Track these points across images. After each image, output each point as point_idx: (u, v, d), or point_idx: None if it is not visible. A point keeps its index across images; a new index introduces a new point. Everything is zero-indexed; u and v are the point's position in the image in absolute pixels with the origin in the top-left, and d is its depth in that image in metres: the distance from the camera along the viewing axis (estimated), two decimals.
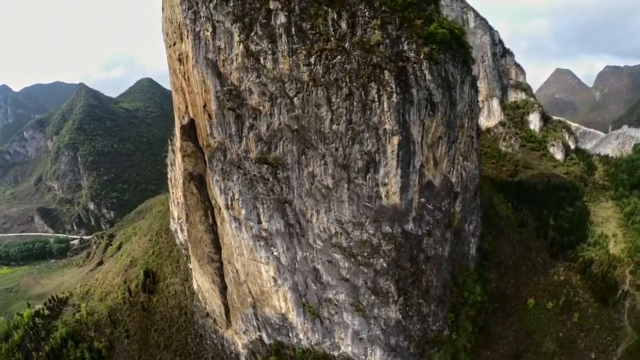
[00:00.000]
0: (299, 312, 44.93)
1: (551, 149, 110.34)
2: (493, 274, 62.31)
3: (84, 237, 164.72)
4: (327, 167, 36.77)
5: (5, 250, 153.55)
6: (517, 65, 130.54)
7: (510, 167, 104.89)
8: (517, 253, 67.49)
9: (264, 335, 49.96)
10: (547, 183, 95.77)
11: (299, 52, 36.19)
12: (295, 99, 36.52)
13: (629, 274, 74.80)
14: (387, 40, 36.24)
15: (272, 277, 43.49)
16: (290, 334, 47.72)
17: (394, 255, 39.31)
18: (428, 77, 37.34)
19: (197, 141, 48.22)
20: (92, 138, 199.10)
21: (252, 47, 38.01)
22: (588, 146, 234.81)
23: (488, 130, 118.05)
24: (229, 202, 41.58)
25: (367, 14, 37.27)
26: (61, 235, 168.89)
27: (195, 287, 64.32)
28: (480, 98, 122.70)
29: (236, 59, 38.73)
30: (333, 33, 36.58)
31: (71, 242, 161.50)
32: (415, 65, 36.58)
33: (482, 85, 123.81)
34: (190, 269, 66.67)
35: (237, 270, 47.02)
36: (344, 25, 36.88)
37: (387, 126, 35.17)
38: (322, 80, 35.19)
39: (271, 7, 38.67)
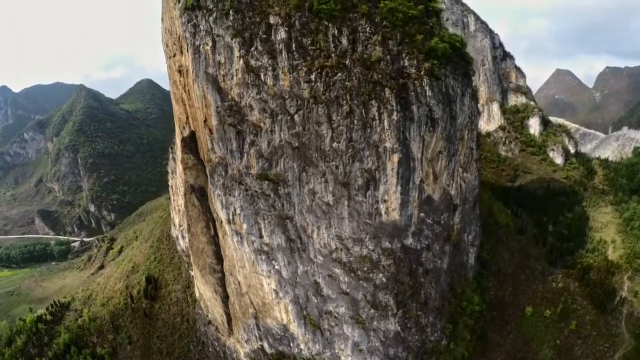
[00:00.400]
0: (300, 324, 45.46)
1: (551, 154, 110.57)
2: (491, 282, 62.81)
3: (85, 239, 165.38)
4: (328, 184, 37.08)
5: (6, 253, 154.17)
6: (517, 69, 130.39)
7: (510, 172, 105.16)
8: (516, 261, 67.97)
9: (266, 345, 50.55)
10: (547, 188, 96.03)
11: (300, 69, 36.30)
12: (296, 116, 36.71)
13: (627, 280, 75.33)
14: (388, 57, 36.36)
15: (274, 289, 43.96)
16: (292, 344, 48.30)
17: (393, 270, 39.75)
18: (429, 93, 37.51)
19: (198, 154, 48.43)
20: (92, 140, 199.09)
21: (252, 62, 38.11)
22: (588, 147, 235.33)
23: (488, 134, 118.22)
24: (231, 217, 41.94)
25: (368, 30, 37.36)
26: (62, 238, 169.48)
27: (197, 294, 64.84)
28: (480, 102, 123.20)
29: (236, 74, 38.85)
30: (334, 49, 36.68)
31: (72, 245, 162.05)
32: (415, 81, 36.74)
33: (482, 88, 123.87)
34: (192, 276, 67.16)
35: (239, 282, 47.49)
36: (344, 41, 36.98)
37: (388, 144, 35.41)
38: (323, 97, 35.35)
39: (271, 22, 38.72)
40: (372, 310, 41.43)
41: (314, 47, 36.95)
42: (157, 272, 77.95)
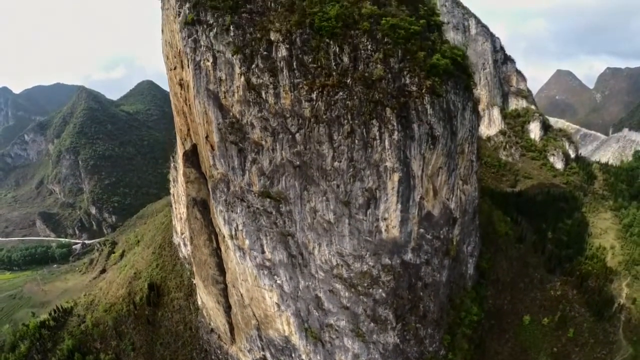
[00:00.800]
0: (301, 336, 46.06)
1: (551, 159, 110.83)
2: (490, 291, 63.31)
3: (86, 242, 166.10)
4: (329, 203, 37.45)
5: (7, 255, 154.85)
6: (518, 72, 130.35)
7: (511, 177, 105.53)
8: (515, 269, 68.47)
9: (268, 355, 51.21)
10: (547, 194, 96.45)
11: (301, 87, 36.48)
12: (297, 135, 36.97)
13: (625, 287, 75.91)
14: (389, 75, 36.52)
15: (276, 303, 44.52)
16: (293, 355, 48.95)
17: (393, 285, 40.26)
18: (430, 111, 37.73)
19: (200, 167, 48.75)
20: (93, 142, 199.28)
21: (254, 79, 38.26)
22: (589, 148, 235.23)
23: (488, 138, 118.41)
24: (233, 232, 42.36)
25: (369, 47, 37.48)
26: (63, 240, 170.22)
27: (199, 303, 65.49)
28: (481, 106, 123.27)
29: (237, 91, 39.02)
30: (335, 67, 36.82)
31: (73, 247, 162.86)
32: (417, 100, 36.92)
33: (482, 93, 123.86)
34: (194, 284, 67.77)
35: (241, 294, 48.04)
36: (345, 59, 37.10)
37: (388, 164, 35.71)
38: (324, 117, 35.59)
39: (272, 39, 38.82)
40: (372, 324, 42.01)
41: (315, 65, 37.10)
42: (159, 279, 78.56)
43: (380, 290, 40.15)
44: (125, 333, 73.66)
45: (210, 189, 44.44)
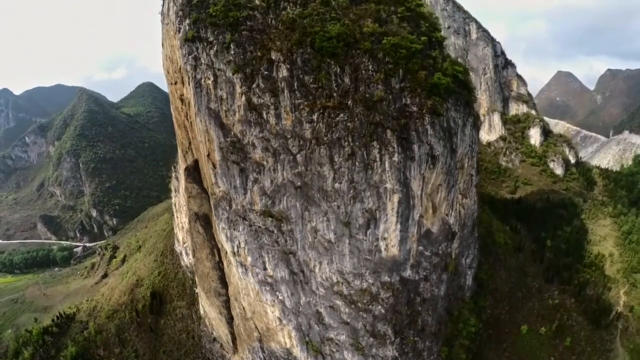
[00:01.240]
0: (302, 349, 46.71)
1: (551, 164, 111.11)
2: (488, 301, 63.88)
3: (87, 245, 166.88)
4: (330, 223, 37.87)
5: (9, 259, 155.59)
6: (519, 77, 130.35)
7: (510, 184, 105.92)
8: (513, 279, 68.98)
9: None
10: (546, 201, 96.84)
11: (302, 108, 36.75)
12: (298, 156, 37.28)
13: (623, 295, 76.52)
14: (390, 96, 36.76)
15: (278, 317, 45.09)
16: None
17: (392, 302, 40.82)
18: (430, 131, 37.99)
19: (201, 183, 49.10)
20: (93, 144, 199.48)
21: (255, 99, 38.47)
22: (589, 150, 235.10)
23: (489, 144, 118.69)
24: (236, 249, 42.85)
25: (370, 68, 37.66)
26: (64, 243, 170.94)
27: (202, 312, 66.12)
28: (481, 111, 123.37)
29: (238, 111, 39.23)
30: (336, 88, 37.02)
31: (74, 250, 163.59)
32: (417, 120, 37.17)
33: (483, 98, 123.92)
34: (197, 293, 68.37)
35: (243, 308, 48.62)
36: (346, 79, 37.29)
37: (388, 185, 36.06)
38: (325, 139, 35.89)
39: (273, 58, 38.97)
40: (371, 339, 42.62)
41: (315, 86, 37.31)
42: (161, 287, 79.20)
43: (380, 306, 40.71)
44: (128, 340, 74.39)
45: (212, 206, 44.86)
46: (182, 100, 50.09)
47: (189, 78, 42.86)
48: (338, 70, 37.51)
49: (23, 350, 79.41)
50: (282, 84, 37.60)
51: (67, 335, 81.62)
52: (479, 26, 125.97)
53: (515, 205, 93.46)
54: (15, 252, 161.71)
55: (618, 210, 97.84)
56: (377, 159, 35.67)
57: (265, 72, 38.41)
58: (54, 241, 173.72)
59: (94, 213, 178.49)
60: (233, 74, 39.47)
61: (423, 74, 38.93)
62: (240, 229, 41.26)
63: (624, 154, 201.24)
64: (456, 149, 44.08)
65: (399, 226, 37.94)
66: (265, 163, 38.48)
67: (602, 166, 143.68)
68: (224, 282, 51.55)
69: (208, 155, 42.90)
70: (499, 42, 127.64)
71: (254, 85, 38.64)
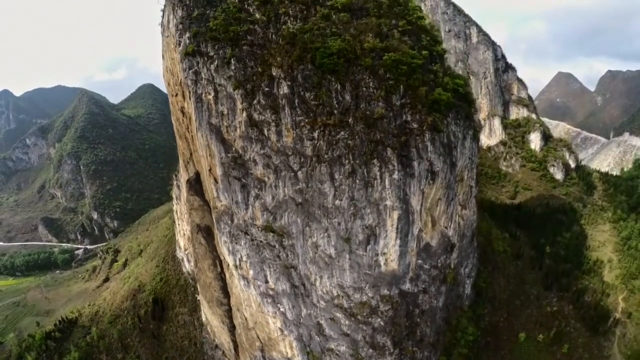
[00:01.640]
0: (303, 359, 47.27)
1: (551, 169, 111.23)
2: (487, 308, 64.36)
3: (88, 247, 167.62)
4: (330, 239, 38.29)
5: (10, 261, 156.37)
6: (519, 80, 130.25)
7: (510, 189, 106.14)
8: (512, 287, 69.44)
9: None
10: (546, 206, 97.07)
11: (303, 126, 37.04)
12: (299, 173, 37.61)
13: (621, 301, 76.84)
14: (391, 114, 37.02)
15: (279, 328, 45.63)
16: None
17: (391, 314, 41.36)
18: (430, 148, 38.28)
19: (203, 195, 49.48)
20: (94, 146, 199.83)
21: (255, 116, 38.70)
22: (589, 152, 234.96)
23: (489, 148, 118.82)
24: (238, 263, 43.32)
25: (371, 85, 37.88)
26: (65, 245, 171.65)
27: (204, 319, 66.72)
28: (481, 116, 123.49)
29: (239, 127, 39.49)
30: (336, 105, 37.28)
31: (75, 252, 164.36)
32: (417, 137, 37.47)
33: (483, 102, 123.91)
34: (198, 300, 68.94)
35: (245, 318, 49.16)
36: (347, 97, 37.54)
37: (388, 202, 36.43)
38: (326, 156, 36.20)
39: (273, 74, 39.16)
40: (371, 350, 43.19)
41: (316, 103, 37.55)
42: (163, 293, 79.80)
43: (379, 319, 41.24)
44: (131, 346, 75.09)
45: (214, 220, 45.27)
46: (183, 112, 50.34)
47: (189, 92, 43.04)
48: (339, 87, 37.73)
49: (26, 355, 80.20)
50: (283, 100, 37.84)
51: (70, 340, 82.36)
52: (480, 30, 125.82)
53: (515, 211, 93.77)
54: (16, 255, 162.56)
55: (617, 216, 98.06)
56: (377, 177, 36.02)
57: (266, 89, 38.62)
58: (55, 243, 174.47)
59: (95, 215, 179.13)
60: (234, 90, 39.69)
61: (424, 90, 39.13)
62: (242, 243, 41.70)
63: (624, 156, 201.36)
64: (456, 163, 44.38)
65: (398, 241, 38.37)
66: (266, 179, 38.82)
67: (603, 168, 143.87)
68: (226, 292, 52.04)
69: (210, 170, 43.24)
70: (499, 46, 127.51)
71: (255, 102, 38.87)
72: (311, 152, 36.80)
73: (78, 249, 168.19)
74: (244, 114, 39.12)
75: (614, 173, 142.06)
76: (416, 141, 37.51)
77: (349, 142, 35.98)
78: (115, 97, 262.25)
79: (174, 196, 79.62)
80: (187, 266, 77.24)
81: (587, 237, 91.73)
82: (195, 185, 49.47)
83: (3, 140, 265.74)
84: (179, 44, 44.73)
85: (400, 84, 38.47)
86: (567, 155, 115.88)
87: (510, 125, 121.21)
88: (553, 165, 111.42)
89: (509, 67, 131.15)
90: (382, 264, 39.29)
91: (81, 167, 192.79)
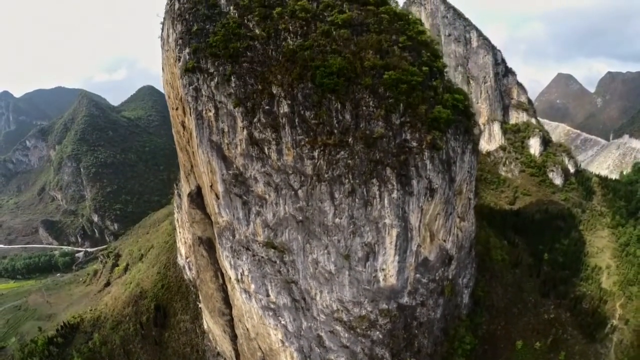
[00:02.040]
0: None
1: (550, 175, 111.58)
2: (484, 317, 65.02)
3: (89, 250, 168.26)
4: (330, 255, 38.86)
5: (11, 264, 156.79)
6: (519, 85, 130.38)
7: (510, 194, 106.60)
8: (509, 295, 70.08)
9: None
10: (545, 212, 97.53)
11: (303, 145, 37.43)
12: (300, 191, 38.08)
13: (619, 308, 77.45)
14: (390, 133, 37.39)
15: (280, 339, 46.33)
16: None
17: (390, 327, 42.03)
18: (429, 166, 38.69)
19: (204, 209, 49.97)
20: (94, 149, 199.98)
21: (256, 134, 39.00)
22: (589, 153, 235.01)
23: (488, 153, 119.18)
24: (239, 277, 43.93)
25: (371, 104, 38.18)
26: (66, 248, 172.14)
27: (205, 327, 67.48)
28: (481, 121, 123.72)
29: (240, 145, 39.81)
30: (336, 125, 37.64)
31: (76, 255, 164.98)
32: (417, 156, 37.86)
33: (483, 107, 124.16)
34: (200, 308, 69.63)
35: (247, 329, 49.86)
36: (347, 116, 37.89)
37: (387, 220, 36.94)
38: (326, 176, 36.64)
39: (274, 92, 39.40)
40: None
41: (316, 122, 37.92)
42: (164, 299, 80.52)
43: (378, 332, 41.92)
44: (133, 352, 75.91)
45: (216, 234, 45.80)
46: (183, 126, 50.65)
47: (190, 109, 43.25)
48: (339, 106, 38.05)
49: None
50: (283, 119, 38.17)
51: (72, 346, 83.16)
52: (480, 34, 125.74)
53: (513, 217, 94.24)
54: (17, 258, 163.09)
55: (616, 221, 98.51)
56: (377, 196, 36.50)
57: (267, 107, 38.88)
58: (55, 246, 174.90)
59: (95, 218, 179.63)
60: (234, 107, 39.90)
61: (423, 109, 39.39)
62: (244, 259, 42.27)
63: (623, 159, 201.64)
64: (455, 178, 44.79)
65: (397, 258, 38.95)
66: (267, 197, 39.29)
67: (602, 171, 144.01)
68: (227, 303, 52.69)
69: (211, 186, 43.69)
70: (499, 50, 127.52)
71: (255, 120, 39.18)
72: (311, 171, 37.24)
73: (79, 251, 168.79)
74: (245, 132, 39.46)
75: (614, 176, 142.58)
76: (415, 160, 37.91)
77: (349, 161, 36.41)
78: (115, 98, 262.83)
79: (174, 205, 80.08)
80: (189, 273, 77.89)
81: (586, 243, 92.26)
82: (197, 198, 49.94)
83: (3, 142, 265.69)
84: (179, 60, 44.83)
85: (400, 103, 38.77)
86: (566, 160, 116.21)
87: (509, 130, 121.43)
88: (552, 171, 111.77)
89: (508, 72, 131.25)
90: (381, 279, 39.91)
91: (81, 169, 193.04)
